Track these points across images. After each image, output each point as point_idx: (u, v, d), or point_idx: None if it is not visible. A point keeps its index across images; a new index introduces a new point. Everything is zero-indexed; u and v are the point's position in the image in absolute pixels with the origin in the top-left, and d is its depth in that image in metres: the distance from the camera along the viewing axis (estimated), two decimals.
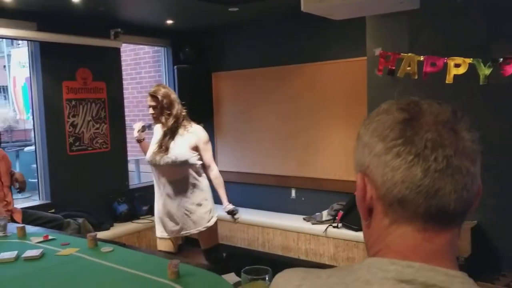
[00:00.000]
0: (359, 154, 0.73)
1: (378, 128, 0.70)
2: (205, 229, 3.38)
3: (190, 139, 3.29)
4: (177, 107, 3.31)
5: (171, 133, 3.28)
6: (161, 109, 3.27)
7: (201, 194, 3.37)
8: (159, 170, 3.31)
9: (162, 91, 3.30)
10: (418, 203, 0.66)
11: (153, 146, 3.37)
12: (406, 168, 0.66)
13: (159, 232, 3.43)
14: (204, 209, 3.37)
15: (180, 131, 3.30)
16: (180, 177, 3.29)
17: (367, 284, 0.65)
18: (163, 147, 3.26)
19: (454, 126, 0.68)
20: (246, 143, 5.57)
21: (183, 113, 3.35)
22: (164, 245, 3.43)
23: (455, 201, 0.66)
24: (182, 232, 3.37)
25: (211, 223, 3.41)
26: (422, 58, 3.24)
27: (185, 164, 3.26)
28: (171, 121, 3.27)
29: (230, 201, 3.48)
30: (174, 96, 3.35)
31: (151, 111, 3.33)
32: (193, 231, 3.36)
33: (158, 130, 3.45)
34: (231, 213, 3.45)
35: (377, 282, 0.65)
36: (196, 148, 3.31)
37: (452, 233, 0.69)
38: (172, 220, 3.33)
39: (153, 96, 3.29)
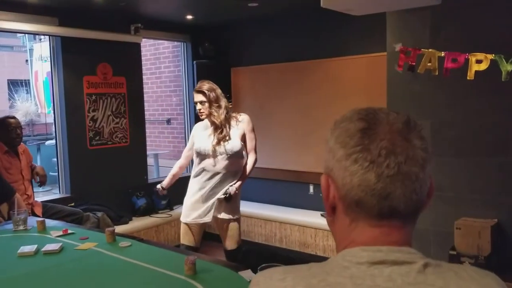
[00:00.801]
0: (326, 157, 0.80)
1: (341, 136, 0.78)
2: (233, 219, 3.43)
3: (240, 129, 3.35)
4: (224, 100, 3.35)
5: (225, 125, 3.31)
6: (209, 103, 3.29)
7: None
8: (213, 161, 3.33)
9: (207, 86, 3.33)
10: (373, 204, 0.74)
11: (205, 138, 3.37)
12: (362, 173, 0.73)
13: (186, 217, 3.47)
14: (236, 199, 3.41)
15: (232, 123, 3.35)
16: (232, 168, 3.35)
17: (345, 269, 0.73)
18: (222, 140, 3.29)
19: (407, 135, 0.75)
20: (264, 138, 5.55)
21: (230, 106, 3.40)
22: (188, 233, 3.48)
23: (405, 203, 0.74)
24: (210, 215, 3.39)
25: (236, 216, 3.45)
26: (443, 54, 3.19)
27: (238, 154, 3.33)
28: (223, 114, 3.30)
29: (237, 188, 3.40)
30: (219, 89, 3.38)
31: (199, 107, 3.34)
32: (224, 216, 3.41)
33: (200, 127, 3.48)
34: (226, 193, 3.36)
35: (353, 267, 0.73)
36: (244, 137, 3.36)
37: (407, 228, 0.77)
38: (207, 204, 3.38)
39: (200, 91, 3.32)
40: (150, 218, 5.22)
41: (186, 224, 3.49)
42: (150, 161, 6.50)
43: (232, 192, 3.32)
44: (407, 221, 0.77)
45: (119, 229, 4.54)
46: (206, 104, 3.30)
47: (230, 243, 3.48)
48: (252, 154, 3.42)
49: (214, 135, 3.32)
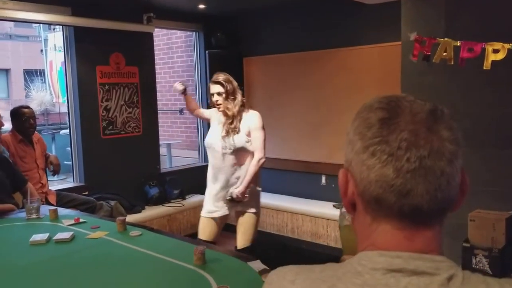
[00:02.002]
0: (345, 150, 0.74)
1: (360, 126, 0.71)
2: (249, 214, 3.40)
3: (245, 125, 3.30)
4: (239, 93, 3.34)
5: (237, 117, 3.29)
6: (226, 95, 3.27)
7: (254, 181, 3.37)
8: (220, 155, 3.31)
9: (224, 77, 3.32)
10: (392, 202, 0.67)
11: (215, 132, 3.38)
12: (380, 168, 0.67)
13: (206, 212, 3.44)
14: (251, 196, 3.37)
15: (243, 116, 3.34)
16: (240, 162, 3.32)
17: (358, 275, 0.67)
18: (231, 131, 3.27)
19: (432, 125, 0.68)
20: (276, 128, 5.54)
21: (244, 99, 3.38)
22: (208, 225, 3.44)
23: (429, 202, 0.67)
24: (227, 211, 3.40)
25: (253, 210, 3.42)
26: (458, 43, 3.13)
27: (244, 149, 3.29)
28: (236, 106, 3.29)
29: (243, 192, 3.35)
30: (235, 82, 3.36)
31: (216, 98, 3.30)
32: (239, 208, 3.40)
33: (215, 117, 3.46)
34: (231, 194, 3.35)
35: (367, 273, 0.67)
36: (249, 134, 3.32)
37: (432, 231, 0.70)
38: (223, 200, 3.38)
39: (217, 82, 3.29)
40: (162, 207, 5.25)
41: (205, 217, 3.47)
42: (162, 150, 6.53)
43: (234, 196, 3.29)
44: (432, 222, 0.70)
45: (132, 218, 4.58)
46: (223, 95, 3.27)
47: (241, 241, 3.42)
48: (256, 153, 3.31)
49: (223, 127, 3.30)
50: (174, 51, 7.17)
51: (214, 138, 3.34)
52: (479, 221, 3.24)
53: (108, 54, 4.96)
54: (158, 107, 5.67)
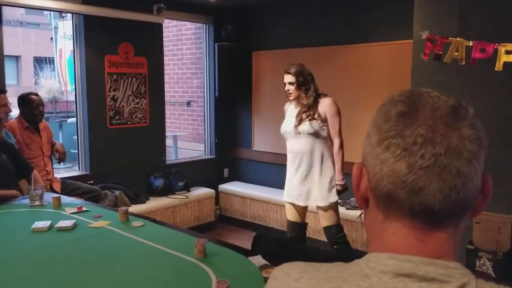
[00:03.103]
0: (364, 143, 0.72)
1: (378, 119, 0.69)
2: (325, 205, 3.47)
3: (320, 111, 3.41)
4: (313, 83, 3.45)
5: (312, 106, 3.41)
6: (297, 85, 3.41)
7: (327, 169, 3.46)
8: (294, 142, 3.47)
9: (295, 68, 3.45)
10: (403, 199, 0.65)
11: (289, 119, 3.53)
12: (393, 162, 0.65)
13: (286, 196, 3.62)
14: (328, 185, 3.46)
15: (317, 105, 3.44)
16: (314, 149, 3.42)
17: (365, 277, 0.65)
18: (305, 118, 3.40)
19: (453, 122, 0.65)
20: None
21: (317, 89, 3.47)
22: (291, 209, 3.62)
23: (441, 201, 0.64)
24: (307, 202, 3.52)
25: (331, 199, 3.47)
26: (471, 43, 3.09)
27: (316, 135, 3.40)
28: (311, 97, 3.41)
29: (342, 179, 3.47)
30: (307, 72, 3.47)
31: (287, 87, 3.45)
32: (319, 203, 3.48)
33: (289, 109, 3.61)
34: (338, 193, 3.49)
35: (375, 276, 0.64)
36: (325, 120, 3.42)
37: (446, 233, 0.67)
38: (301, 189, 3.50)
39: (288, 72, 3.45)
40: (167, 198, 5.25)
41: (286, 202, 3.65)
42: (169, 142, 6.52)
43: (339, 188, 3.44)
44: (446, 224, 0.66)
45: (136, 208, 4.59)
46: (294, 85, 3.41)
47: (328, 220, 3.54)
48: (335, 139, 3.45)
49: (297, 116, 3.43)
50: (184, 42, 7.14)
51: (288, 126, 3.50)
52: (485, 224, 3.22)
53: (117, 44, 4.95)
54: (165, 98, 5.66)
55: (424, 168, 0.63)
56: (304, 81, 3.42)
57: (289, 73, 3.44)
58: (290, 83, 3.43)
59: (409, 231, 0.66)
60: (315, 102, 3.41)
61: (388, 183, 0.65)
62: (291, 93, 3.45)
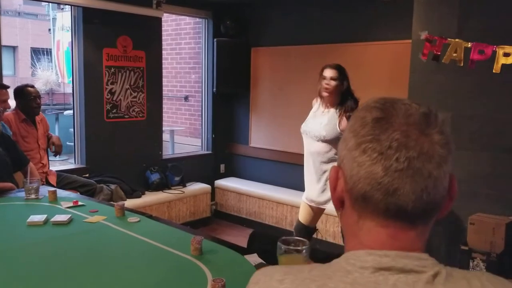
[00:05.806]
0: (339, 147, 0.76)
1: (355, 124, 0.73)
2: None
3: (341, 121, 3.37)
4: (348, 83, 3.43)
5: (336, 108, 3.41)
6: (338, 81, 3.38)
7: None
8: (309, 143, 3.49)
9: (340, 66, 3.44)
10: (378, 200, 0.69)
11: (311, 119, 3.52)
12: (369, 165, 0.69)
13: (304, 196, 3.62)
14: None
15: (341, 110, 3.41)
16: (329, 149, 3.41)
17: (348, 273, 0.69)
18: (329, 119, 3.40)
19: (425, 128, 0.69)
20: (281, 120, 5.51)
21: (352, 91, 3.46)
22: (305, 210, 3.63)
23: (414, 202, 0.68)
24: (321, 206, 3.52)
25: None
26: (469, 44, 3.10)
27: (335, 141, 3.34)
28: (339, 96, 3.41)
29: None
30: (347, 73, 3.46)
31: (327, 81, 3.39)
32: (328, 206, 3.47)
33: (315, 107, 3.59)
34: None
35: (356, 271, 0.68)
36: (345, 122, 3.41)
37: (416, 231, 0.71)
38: (316, 190, 3.50)
39: (336, 67, 3.41)
40: (162, 193, 5.24)
41: (303, 202, 3.64)
42: (165, 137, 6.50)
43: None
44: (417, 223, 0.71)
45: (131, 202, 4.58)
46: (337, 81, 3.37)
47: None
48: None
49: (322, 115, 3.43)
50: (182, 37, 7.12)
51: (311, 127, 3.47)
52: (479, 225, 3.23)
53: (116, 37, 4.93)
54: (163, 93, 5.65)
55: (398, 171, 0.67)
56: (343, 80, 3.40)
57: (333, 67, 3.41)
58: (332, 78, 3.38)
59: (383, 229, 0.71)
60: (344, 105, 3.38)
61: (364, 184, 0.69)
62: (328, 89, 3.39)
